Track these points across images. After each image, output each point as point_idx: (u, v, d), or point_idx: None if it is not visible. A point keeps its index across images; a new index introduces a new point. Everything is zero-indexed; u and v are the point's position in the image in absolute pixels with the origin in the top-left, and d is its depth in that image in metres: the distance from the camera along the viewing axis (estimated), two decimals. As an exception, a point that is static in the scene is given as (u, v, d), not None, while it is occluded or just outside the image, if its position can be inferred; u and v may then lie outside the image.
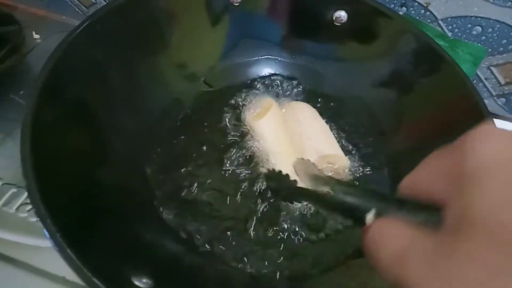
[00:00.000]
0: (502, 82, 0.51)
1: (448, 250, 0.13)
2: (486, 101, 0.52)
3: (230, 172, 0.38)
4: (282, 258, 0.34)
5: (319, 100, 0.45)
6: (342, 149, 0.40)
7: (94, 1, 0.62)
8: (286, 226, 0.35)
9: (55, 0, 0.62)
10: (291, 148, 0.39)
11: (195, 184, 0.37)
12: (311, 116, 0.41)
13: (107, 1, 0.61)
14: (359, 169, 0.40)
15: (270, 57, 0.47)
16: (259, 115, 0.41)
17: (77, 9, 0.63)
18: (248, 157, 0.39)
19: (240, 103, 0.43)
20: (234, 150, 0.39)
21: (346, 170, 0.39)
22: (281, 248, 0.34)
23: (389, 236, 0.16)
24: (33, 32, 0.55)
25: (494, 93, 0.52)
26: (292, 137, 0.40)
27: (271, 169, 0.36)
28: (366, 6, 0.40)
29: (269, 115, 0.40)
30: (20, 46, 0.51)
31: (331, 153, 0.38)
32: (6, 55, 0.49)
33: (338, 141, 0.41)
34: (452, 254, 0.13)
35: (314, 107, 0.43)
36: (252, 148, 0.39)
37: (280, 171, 0.33)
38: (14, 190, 0.40)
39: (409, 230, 0.16)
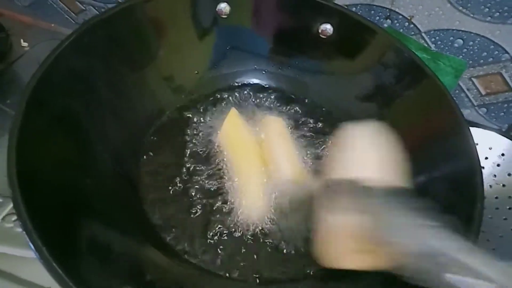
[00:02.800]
0: (483, 92, 0.52)
1: None
2: (468, 111, 0.55)
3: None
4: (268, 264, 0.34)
5: (305, 112, 0.45)
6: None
7: (84, 8, 0.62)
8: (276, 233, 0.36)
9: (44, 7, 0.62)
10: (255, 158, 0.39)
11: (182, 191, 0.37)
12: (279, 134, 0.41)
13: (96, 8, 0.61)
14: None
15: (257, 68, 0.48)
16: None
17: (66, 16, 0.63)
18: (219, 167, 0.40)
19: (220, 114, 0.43)
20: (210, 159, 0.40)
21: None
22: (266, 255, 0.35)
23: None
24: (21, 40, 0.54)
25: (475, 103, 0.54)
26: (257, 149, 0.40)
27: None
28: (351, 19, 0.41)
29: (224, 125, 0.41)
30: (7, 54, 0.51)
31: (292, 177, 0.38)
32: (-8, 63, 0.49)
33: (322, 152, 0.42)
34: None
35: (299, 119, 0.44)
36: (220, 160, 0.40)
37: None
38: (0, 200, 0.39)
39: None
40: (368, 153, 0.30)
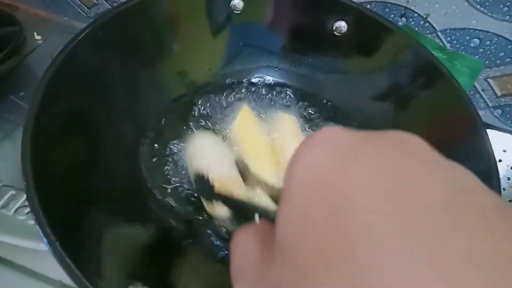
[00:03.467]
0: (499, 93, 0.51)
1: (267, 266, 0.13)
2: (482, 112, 0.54)
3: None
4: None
5: (318, 110, 0.45)
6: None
7: (96, 2, 0.62)
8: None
9: (57, 1, 0.62)
10: (267, 156, 0.39)
11: (193, 187, 0.37)
12: (291, 132, 0.41)
13: (109, 2, 0.61)
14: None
15: (270, 65, 0.47)
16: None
17: (79, 10, 0.63)
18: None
19: (232, 111, 0.43)
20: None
21: None
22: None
23: (241, 238, 0.16)
24: (35, 33, 0.55)
25: (490, 105, 0.53)
26: (269, 146, 0.40)
27: (198, 173, 0.35)
28: (366, 17, 0.40)
29: (236, 122, 0.41)
30: (21, 47, 0.51)
31: None
32: (7, 56, 0.49)
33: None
34: (268, 272, 0.13)
35: (312, 117, 0.43)
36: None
37: (202, 175, 0.34)
38: (12, 192, 0.40)
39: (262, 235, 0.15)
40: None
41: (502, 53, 0.47)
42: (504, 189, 0.48)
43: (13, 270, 0.37)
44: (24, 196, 0.39)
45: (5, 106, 0.47)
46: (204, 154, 0.37)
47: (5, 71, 0.49)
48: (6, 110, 0.47)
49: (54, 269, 0.36)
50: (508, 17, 0.43)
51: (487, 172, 0.31)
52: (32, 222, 0.38)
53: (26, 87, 0.49)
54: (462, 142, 0.34)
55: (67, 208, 0.27)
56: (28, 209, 0.39)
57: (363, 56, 0.42)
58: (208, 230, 0.35)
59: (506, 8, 0.43)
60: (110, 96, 0.35)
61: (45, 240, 0.24)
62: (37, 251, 0.36)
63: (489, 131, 0.46)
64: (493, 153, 0.32)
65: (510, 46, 0.46)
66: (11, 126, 0.45)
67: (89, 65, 0.33)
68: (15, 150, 0.26)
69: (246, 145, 0.39)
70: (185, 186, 0.37)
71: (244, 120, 0.41)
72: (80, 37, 0.33)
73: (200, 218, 0.36)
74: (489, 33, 0.46)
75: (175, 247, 0.34)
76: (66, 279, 0.36)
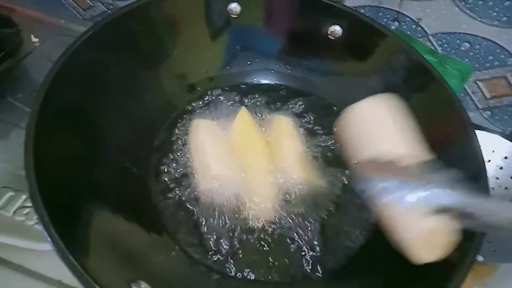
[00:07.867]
0: (488, 96, 0.53)
1: None
2: (472, 114, 0.55)
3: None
4: (276, 263, 0.35)
5: (314, 111, 0.46)
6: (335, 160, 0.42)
7: (92, 4, 0.62)
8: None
9: (53, 3, 0.62)
10: (264, 157, 0.40)
11: (190, 187, 0.38)
12: (287, 132, 0.42)
13: (104, 4, 0.61)
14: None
15: (266, 68, 0.48)
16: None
17: (74, 12, 0.64)
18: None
19: (230, 113, 0.44)
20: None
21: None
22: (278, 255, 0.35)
23: None
24: (32, 36, 0.55)
25: (480, 106, 0.54)
26: (266, 146, 0.41)
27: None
28: (360, 21, 0.41)
29: (235, 124, 0.41)
30: (17, 49, 0.52)
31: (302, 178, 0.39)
32: (3, 58, 0.49)
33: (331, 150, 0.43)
34: None
35: (308, 119, 0.44)
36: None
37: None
38: (11, 193, 0.40)
39: None
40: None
41: (491, 57, 0.48)
42: (493, 188, 0.49)
43: (12, 270, 0.37)
44: (23, 197, 0.40)
45: (2, 108, 0.47)
46: (205, 146, 0.39)
47: (2, 73, 0.49)
48: (4, 112, 0.47)
49: (54, 269, 0.36)
50: (497, 22, 0.45)
51: (476, 172, 0.32)
52: (31, 222, 0.38)
53: (24, 89, 0.49)
54: (452, 143, 0.35)
55: (69, 208, 0.28)
56: (27, 210, 0.39)
57: (357, 60, 0.43)
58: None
59: (495, 13, 0.44)
60: (110, 97, 0.36)
61: (49, 239, 0.24)
62: (36, 251, 0.36)
63: (478, 132, 0.47)
64: (481, 154, 0.33)
65: (499, 50, 0.47)
66: (8, 128, 0.45)
67: (89, 68, 0.34)
68: (13, 151, 0.27)
69: (244, 145, 0.40)
70: (184, 183, 0.38)
71: (242, 122, 0.41)
72: (80, 41, 0.33)
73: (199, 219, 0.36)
74: (479, 37, 0.47)
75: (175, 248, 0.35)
76: (65, 279, 0.37)
